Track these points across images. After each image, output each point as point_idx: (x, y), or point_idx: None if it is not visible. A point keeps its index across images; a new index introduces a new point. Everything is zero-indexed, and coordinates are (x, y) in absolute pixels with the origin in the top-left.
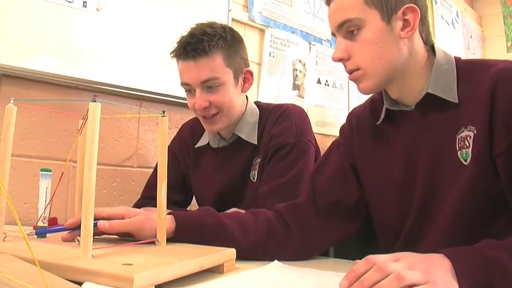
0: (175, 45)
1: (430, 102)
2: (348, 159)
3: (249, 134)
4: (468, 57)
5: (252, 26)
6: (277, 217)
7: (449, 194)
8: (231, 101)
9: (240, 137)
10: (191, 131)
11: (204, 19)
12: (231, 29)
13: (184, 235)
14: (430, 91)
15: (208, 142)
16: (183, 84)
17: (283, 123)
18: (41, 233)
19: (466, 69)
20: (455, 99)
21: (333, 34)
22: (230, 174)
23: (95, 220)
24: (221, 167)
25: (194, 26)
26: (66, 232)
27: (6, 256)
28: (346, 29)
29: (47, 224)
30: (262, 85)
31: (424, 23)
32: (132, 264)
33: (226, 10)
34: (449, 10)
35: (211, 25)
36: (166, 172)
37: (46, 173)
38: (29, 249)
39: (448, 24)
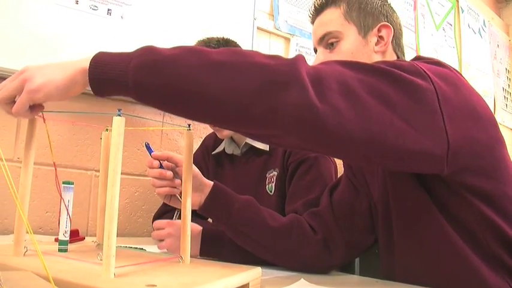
0: None
1: None
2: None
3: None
4: (495, 67)
5: (277, 35)
6: (300, 218)
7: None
8: None
9: (253, 146)
10: (214, 140)
11: (229, 27)
12: (227, 42)
13: (214, 206)
14: None
15: (224, 149)
16: None
17: None
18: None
19: None
20: None
21: (315, 50)
22: (245, 185)
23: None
24: (237, 177)
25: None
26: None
27: (26, 274)
28: (327, 42)
29: (68, 238)
30: None
31: (398, 42)
32: (155, 286)
33: (252, 18)
34: (476, 19)
35: (206, 43)
36: (191, 188)
37: (68, 185)
38: (46, 270)
39: (475, 33)
